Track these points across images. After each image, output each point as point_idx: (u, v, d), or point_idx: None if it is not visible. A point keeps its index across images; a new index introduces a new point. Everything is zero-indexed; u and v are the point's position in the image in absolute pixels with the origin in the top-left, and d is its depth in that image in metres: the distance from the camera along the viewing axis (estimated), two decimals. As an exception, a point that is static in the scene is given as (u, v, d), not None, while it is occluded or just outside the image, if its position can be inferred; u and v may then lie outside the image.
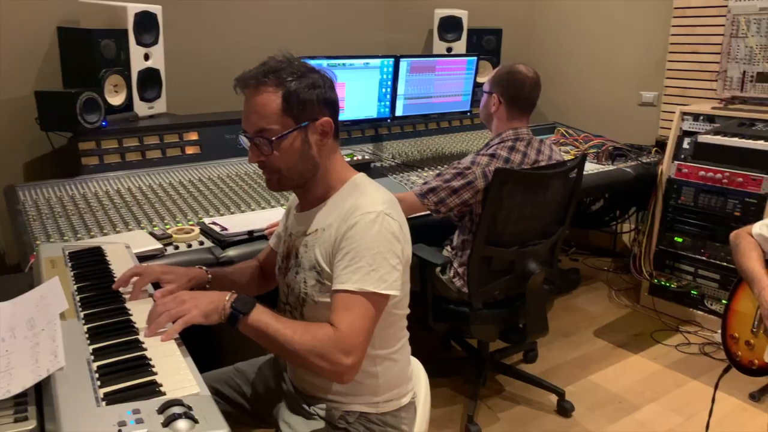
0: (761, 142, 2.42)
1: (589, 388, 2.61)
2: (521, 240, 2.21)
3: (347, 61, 2.72)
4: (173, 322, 1.13)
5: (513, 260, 2.22)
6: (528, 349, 2.80)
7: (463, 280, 2.21)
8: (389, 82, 2.88)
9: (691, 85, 3.54)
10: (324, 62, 2.64)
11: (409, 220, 2.14)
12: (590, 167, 3.11)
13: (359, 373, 1.33)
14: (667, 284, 3.19)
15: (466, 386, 2.55)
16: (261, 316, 1.18)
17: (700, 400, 2.47)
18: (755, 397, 2.46)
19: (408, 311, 1.44)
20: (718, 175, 2.97)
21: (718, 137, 2.56)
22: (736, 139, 2.51)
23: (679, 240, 3.14)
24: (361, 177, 1.37)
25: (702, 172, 3.03)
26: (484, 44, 3.79)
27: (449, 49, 3.72)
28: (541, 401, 2.50)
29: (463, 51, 3.71)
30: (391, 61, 2.84)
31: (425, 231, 2.28)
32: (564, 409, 2.42)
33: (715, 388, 1.86)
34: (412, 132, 3.34)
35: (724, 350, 1.82)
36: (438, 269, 2.29)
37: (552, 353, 2.88)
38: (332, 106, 1.33)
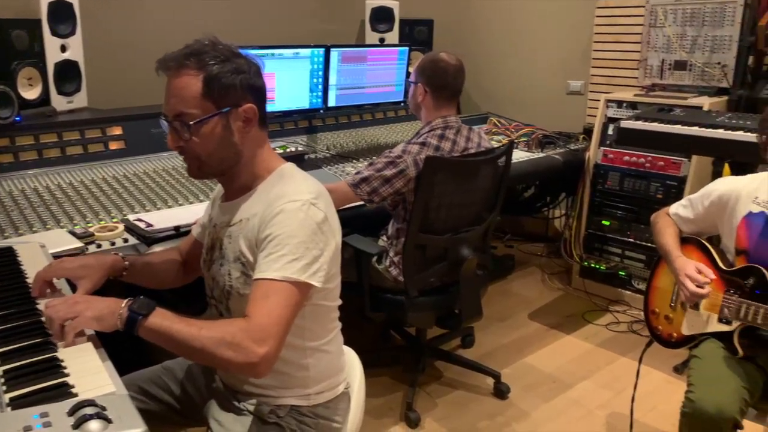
0: (678, 126, 2.54)
1: (524, 369, 2.67)
2: (454, 227, 2.23)
3: (276, 51, 2.67)
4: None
5: (446, 247, 2.24)
6: (465, 335, 2.85)
7: (398, 269, 2.22)
8: (320, 73, 2.85)
9: (615, 73, 3.67)
10: (252, 52, 2.59)
11: (344, 210, 2.18)
12: (521, 155, 3.19)
13: (289, 365, 1.32)
14: (597, 266, 3.31)
15: (406, 374, 2.57)
16: (162, 317, 1.12)
17: (628, 375, 2.57)
18: (678, 369, 2.59)
19: (339, 302, 1.43)
20: (641, 160, 3.10)
21: (639, 122, 2.66)
22: (655, 124, 2.61)
23: (607, 223, 3.26)
24: (290, 167, 1.35)
25: (626, 157, 3.16)
26: (416, 35, 3.81)
27: (382, 40, 3.72)
28: (479, 385, 2.55)
29: (396, 41, 3.72)
30: (322, 51, 2.81)
31: (361, 221, 2.29)
32: (500, 391, 2.47)
33: (639, 362, 1.95)
34: (347, 123, 3.32)
35: (647, 325, 1.90)
36: (374, 259, 2.29)
37: (489, 337, 2.94)
38: (257, 92, 1.30)
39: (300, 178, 1.31)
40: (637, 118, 2.73)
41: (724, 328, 1.63)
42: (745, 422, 1.67)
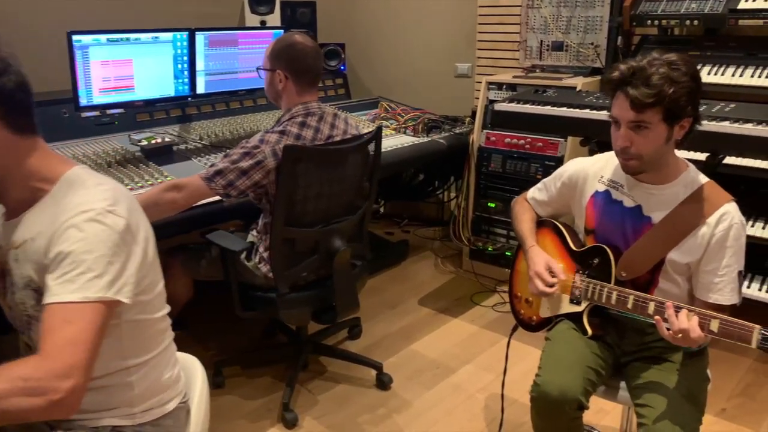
0: (548, 107, 2.56)
1: (409, 357, 2.65)
2: (324, 218, 2.15)
3: (133, 36, 2.48)
4: None
5: (317, 240, 2.16)
6: (352, 326, 2.79)
7: (269, 265, 2.12)
8: (185, 58, 2.67)
9: (500, 55, 3.68)
10: (103, 37, 2.39)
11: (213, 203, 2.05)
12: (405, 140, 3.15)
13: (110, 387, 1.20)
14: (485, 248, 3.33)
15: (288, 372, 2.48)
16: None
17: (512, 356, 2.59)
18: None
19: (165, 310, 1.31)
20: (521, 141, 3.13)
21: (512, 105, 2.67)
22: (528, 105, 2.63)
23: (492, 205, 3.29)
24: (79, 171, 1.18)
25: (507, 139, 3.18)
26: (299, 17, 3.68)
27: (263, 23, 3.56)
28: (363, 377, 2.49)
29: (278, 24, 3.57)
30: (185, 34, 2.64)
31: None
32: (382, 382, 2.43)
33: (507, 346, 1.94)
34: (225, 110, 3.15)
35: (511, 309, 1.90)
36: (243, 256, 2.17)
37: (378, 326, 2.89)
38: (5, 97, 1.08)
39: (92, 184, 1.15)
40: (510, 100, 2.73)
41: (575, 308, 1.64)
42: (603, 402, 1.70)
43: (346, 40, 3.93)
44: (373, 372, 2.47)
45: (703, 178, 1.56)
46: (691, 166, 1.57)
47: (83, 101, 2.40)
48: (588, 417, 2.23)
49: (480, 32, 3.73)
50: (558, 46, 3.26)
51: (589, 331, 1.61)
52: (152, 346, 1.27)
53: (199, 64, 2.72)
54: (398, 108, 3.56)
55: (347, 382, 2.47)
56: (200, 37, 2.68)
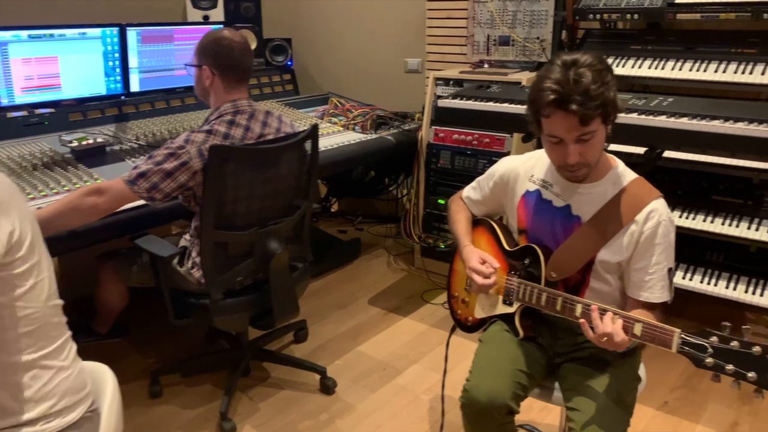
0: (491, 103, 2.53)
1: (356, 359, 2.60)
2: (259, 220, 2.08)
3: (57, 32, 2.36)
4: None
5: (252, 243, 2.08)
6: (297, 329, 2.72)
7: (201, 270, 2.04)
8: (116, 55, 2.56)
9: (449, 50, 3.65)
10: (23, 33, 2.27)
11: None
12: (353, 137, 3.09)
13: None
14: (435, 245, 3.30)
15: (229, 380, 2.40)
16: None
17: (458, 354, 2.56)
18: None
19: (55, 303, 1.22)
20: (469, 138, 3.10)
21: (456, 101, 2.63)
22: (471, 102, 2.59)
23: (442, 202, 3.25)
24: None
25: (455, 135, 3.14)
26: (243, 12, 3.58)
27: (206, 18, 3.46)
28: (307, 382, 2.43)
29: (221, 19, 3.47)
30: (116, 30, 2.53)
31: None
32: (326, 386, 2.37)
33: (447, 346, 1.91)
34: (165, 109, 3.04)
35: (450, 309, 1.86)
36: (175, 261, 2.09)
37: (325, 328, 2.83)
38: None
39: None
40: (454, 96, 2.70)
41: (508, 309, 1.61)
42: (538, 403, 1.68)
43: (293, 35, 3.85)
44: (317, 377, 2.42)
45: (631, 175, 1.54)
46: (619, 163, 1.55)
47: (4, 101, 2.28)
48: (532, 415, 2.23)
49: (429, 27, 3.68)
50: (504, 41, 3.23)
51: (521, 333, 1.58)
52: (45, 341, 1.18)
53: (132, 61, 2.62)
54: (347, 104, 3.50)
55: (291, 388, 2.41)
56: (132, 33, 2.58)
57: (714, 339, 1.17)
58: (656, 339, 1.26)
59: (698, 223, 2.53)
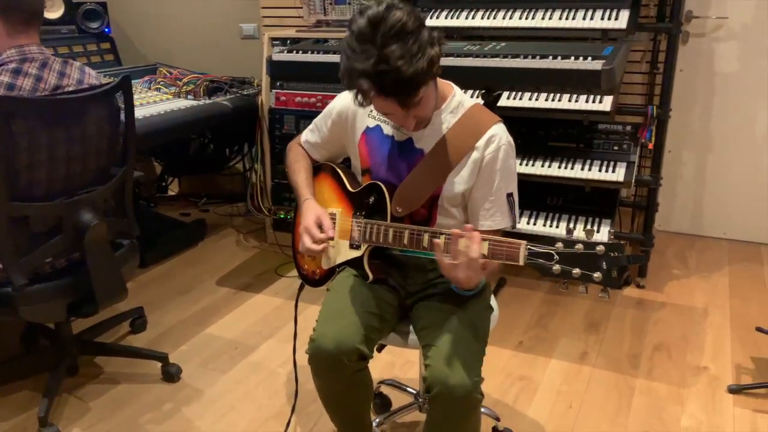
0: (328, 55, 2.40)
1: (203, 342, 2.36)
2: (66, 189, 1.77)
3: None
4: None
5: (60, 216, 1.77)
6: (134, 317, 2.42)
7: (-2, 253, 1.70)
8: None
9: (286, 13, 3.47)
10: None
11: None
12: (184, 104, 2.81)
13: None
14: (287, 216, 3.12)
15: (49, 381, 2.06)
16: None
17: (312, 317, 2.43)
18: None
19: None
20: (312, 99, 2.95)
21: (291, 55, 2.47)
22: (307, 54, 2.45)
23: (290, 170, 3.08)
24: None
25: (298, 98, 2.98)
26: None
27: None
28: (146, 372, 2.16)
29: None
30: None
31: None
32: (170, 374, 2.12)
33: (295, 307, 1.76)
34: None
35: (296, 267, 1.71)
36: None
37: (167, 315, 2.56)
38: None
39: None
40: (289, 51, 2.53)
41: (355, 253, 1.49)
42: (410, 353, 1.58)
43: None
44: (159, 365, 2.15)
45: (469, 101, 1.48)
46: (457, 89, 1.49)
47: None
48: (395, 371, 2.16)
49: (263, -11, 3.48)
50: (341, 0, 3.12)
51: (370, 276, 1.47)
52: None
53: None
54: (176, 71, 3.19)
55: (128, 381, 2.13)
56: None
57: (559, 245, 1.13)
58: (504, 254, 1.21)
59: (537, 168, 2.61)
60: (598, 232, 2.58)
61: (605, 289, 1.12)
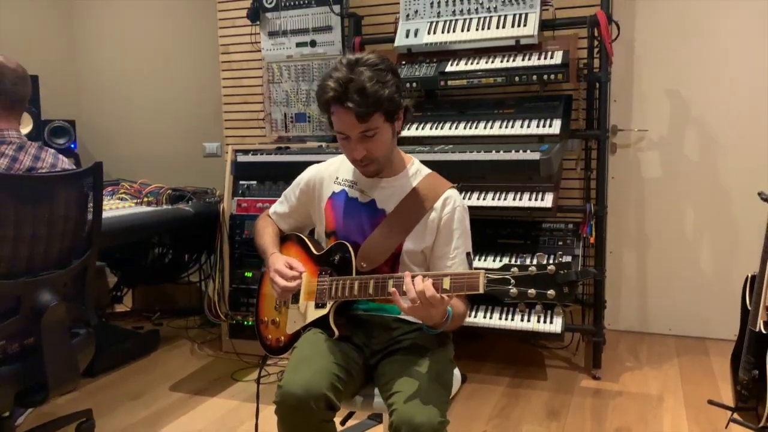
0: (291, 156, 2.58)
1: (154, 444, 2.24)
2: (28, 268, 1.77)
3: None
4: None
5: (20, 295, 1.75)
6: (80, 421, 2.28)
7: (-54, 334, 1.64)
8: None
9: (248, 133, 3.70)
10: None
11: None
12: (146, 209, 2.88)
13: None
14: (244, 321, 3.10)
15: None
16: None
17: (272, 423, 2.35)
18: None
19: None
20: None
21: (256, 156, 2.64)
22: (270, 156, 2.62)
23: (249, 275, 3.11)
24: None
25: (259, 204, 3.09)
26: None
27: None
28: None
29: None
30: None
31: None
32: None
33: (258, 382, 1.74)
34: None
35: (259, 338, 1.71)
36: None
37: (117, 419, 2.43)
38: None
39: None
40: (254, 153, 2.70)
41: (321, 312, 1.53)
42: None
43: (76, 116, 3.61)
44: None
45: (426, 170, 1.63)
46: (415, 159, 1.64)
47: None
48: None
49: (226, 111, 3.73)
50: (301, 117, 3.38)
51: (336, 332, 1.50)
52: None
53: None
54: (137, 184, 3.29)
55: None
56: None
57: (514, 270, 1.22)
58: (465, 286, 1.28)
59: (489, 263, 2.74)
60: (551, 323, 2.66)
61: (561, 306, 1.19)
